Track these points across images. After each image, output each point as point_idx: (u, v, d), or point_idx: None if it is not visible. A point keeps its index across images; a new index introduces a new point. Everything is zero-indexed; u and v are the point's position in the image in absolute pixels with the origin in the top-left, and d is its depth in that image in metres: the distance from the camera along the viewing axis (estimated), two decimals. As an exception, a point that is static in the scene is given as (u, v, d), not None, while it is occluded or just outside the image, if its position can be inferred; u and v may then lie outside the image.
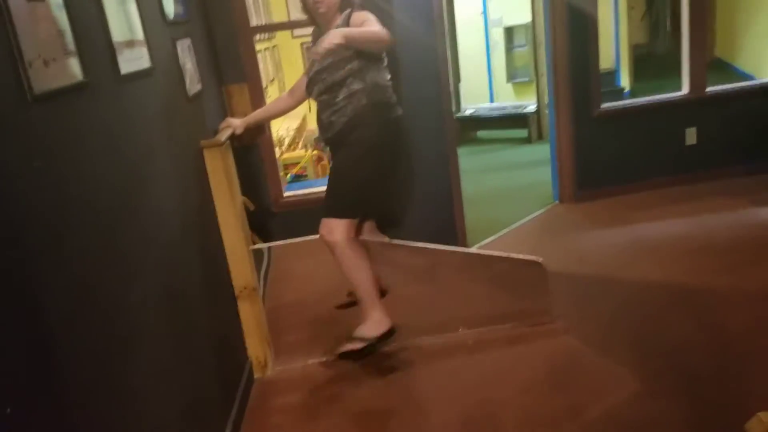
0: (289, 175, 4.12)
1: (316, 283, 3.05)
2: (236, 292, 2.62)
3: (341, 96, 2.42)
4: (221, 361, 2.35)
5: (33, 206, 1.18)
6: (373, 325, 2.49)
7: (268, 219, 3.43)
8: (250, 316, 2.67)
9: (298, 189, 3.80)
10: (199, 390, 2.04)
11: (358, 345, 2.50)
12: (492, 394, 2.37)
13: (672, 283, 3.05)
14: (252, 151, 3.38)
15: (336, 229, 2.45)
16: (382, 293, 2.63)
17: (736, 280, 2.98)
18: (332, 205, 2.49)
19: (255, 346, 2.69)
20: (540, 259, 2.80)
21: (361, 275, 2.48)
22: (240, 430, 2.33)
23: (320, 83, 2.47)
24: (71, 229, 1.30)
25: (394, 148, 2.56)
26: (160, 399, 1.67)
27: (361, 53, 2.38)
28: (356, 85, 2.40)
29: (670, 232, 3.68)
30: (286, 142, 4.70)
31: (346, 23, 2.39)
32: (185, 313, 1.99)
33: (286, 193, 3.63)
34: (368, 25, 2.33)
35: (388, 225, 2.72)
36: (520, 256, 2.86)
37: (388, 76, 2.51)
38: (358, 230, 2.57)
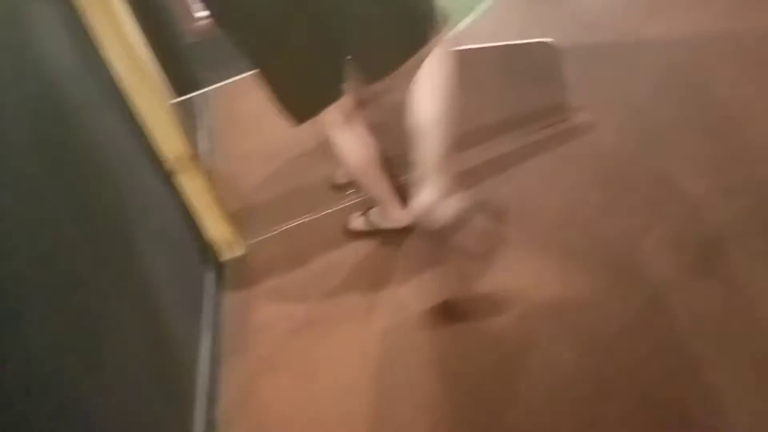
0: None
1: (270, 126, 2.40)
2: (169, 165, 1.99)
3: None
4: (182, 255, 1.83)
5: None
6: (388, 219, 1.99)
7: (188, 54, 2.66)
8: (195, 190, 2.07)
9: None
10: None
11: (365, 227, 2.05)
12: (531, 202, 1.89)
13: (706, 34, 2.43)
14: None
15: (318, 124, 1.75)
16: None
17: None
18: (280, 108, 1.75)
19: (214, 225, 2.14)
20: (550, 40, 2.14)
21: (365, 179, 1.86)
22: (220, 323, 1.88)
23: None
24: None
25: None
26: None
27: None
28: None
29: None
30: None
31: None
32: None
33: (198, 15, 2.81)
34: None
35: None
36: (525, 41, 2.19)
37: None
38: (350, 105, 1.76)
